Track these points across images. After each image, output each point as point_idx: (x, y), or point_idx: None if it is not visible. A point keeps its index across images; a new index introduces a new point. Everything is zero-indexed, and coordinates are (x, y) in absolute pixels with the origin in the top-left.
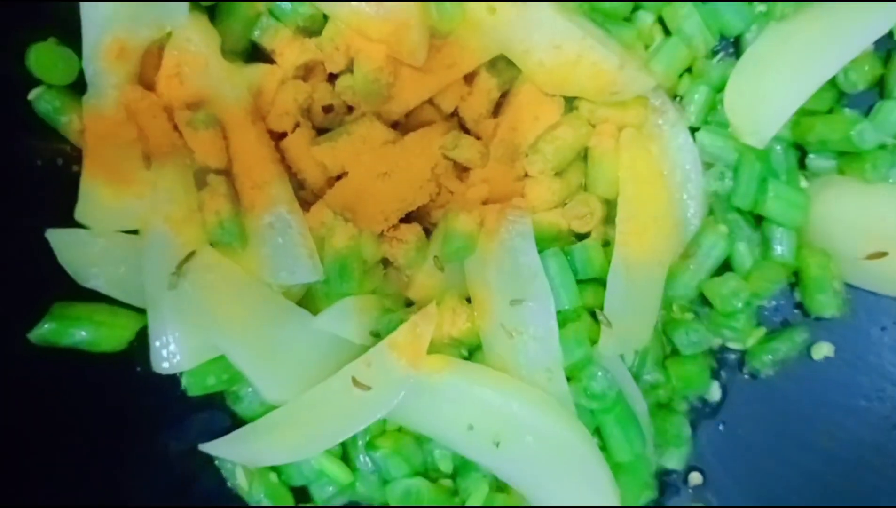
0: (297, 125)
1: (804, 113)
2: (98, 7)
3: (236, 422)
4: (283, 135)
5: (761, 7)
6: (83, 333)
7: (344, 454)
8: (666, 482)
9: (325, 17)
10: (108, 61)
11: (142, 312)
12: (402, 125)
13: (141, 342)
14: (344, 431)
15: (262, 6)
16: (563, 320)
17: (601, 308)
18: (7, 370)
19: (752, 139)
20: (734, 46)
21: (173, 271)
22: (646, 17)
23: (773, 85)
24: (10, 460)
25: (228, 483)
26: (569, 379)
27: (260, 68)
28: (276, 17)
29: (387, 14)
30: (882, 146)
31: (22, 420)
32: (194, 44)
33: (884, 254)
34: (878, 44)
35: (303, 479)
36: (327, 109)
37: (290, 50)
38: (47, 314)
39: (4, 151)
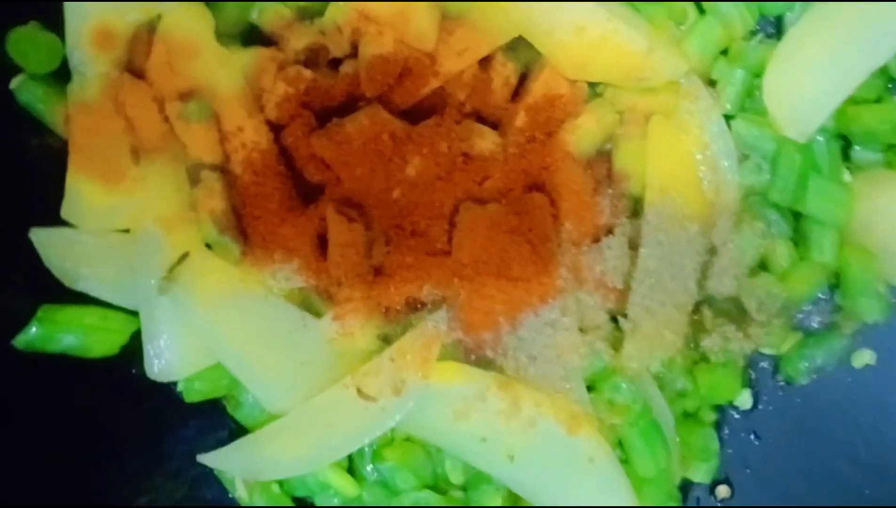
0: (298, 115)
1: (850, 102)
2: None
3: (238, 428)
4: (283, 126)
5: None
6: (72, 338)
7: (350, 464)
8: (691, 494)
9: None
10: (93, 47)
11: (135, 314)
12: (411, 115)
13: (136, 344)
14: (349, 444)
15: None
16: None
17: (624, 315)
18: None
19: (793, 132)
20: (775, 27)
21: (165, 276)
22: None
23: (818, 73)
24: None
25: (229, 494)
26: (589, 389)
27: (258, 53)
28: None
29: None
30: None
31: (12, 427)
32: (186, 28)
33: None
34: None
35: (306, 491)
36: (330, 97)
37: (290, 33)
38: (33, 319)
39: None
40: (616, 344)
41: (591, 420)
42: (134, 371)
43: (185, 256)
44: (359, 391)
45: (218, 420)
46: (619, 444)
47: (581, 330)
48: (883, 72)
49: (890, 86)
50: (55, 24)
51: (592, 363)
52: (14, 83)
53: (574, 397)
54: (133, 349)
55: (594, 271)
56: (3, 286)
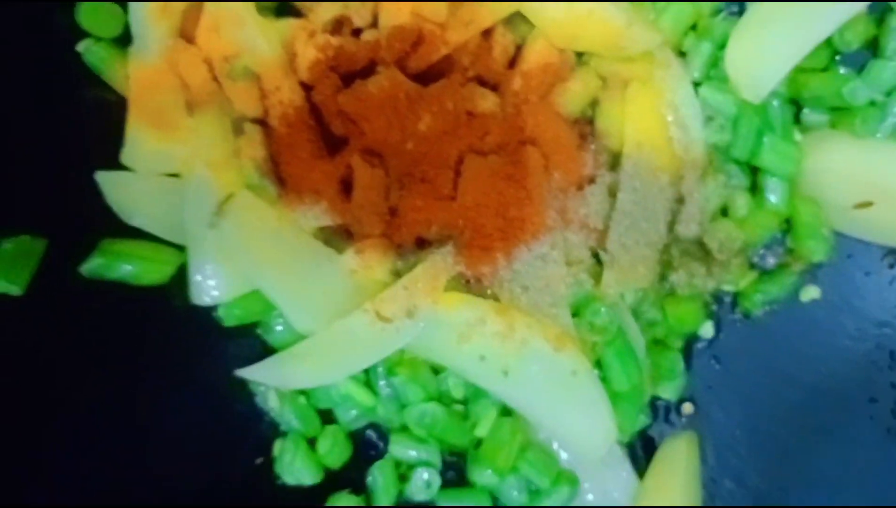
0: (326, 77)
1: (800, 70)
2: None
3: (267, 351)
4: (313, 86)
5: None
6: (128, 267)
7: (366, 380)
8: (660, 410)
9: None
10: (152, 16)
11: (181, 249)
12: (422, 78)
13: (178, 277)
14: (367, 358)
15: None
16: (567, 261)
17: (605, 250)
18: (58, 302)
19: (750, 94)
20: (738, 6)
21: (214, 212)
22: None
23: (772, 43)
24: (56, 383)
25: (260, 406)
26: (574, 314)
27: (291, 23)
28: None
29: None
30: (872, 103)
31: (69, 349)
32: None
33: (870, 204)
34: (873, 6)
35: (329, 402)
36: (353, 61)
37: (318, 6)
38: (96, 250)
39: (55, 99)
40: (596, 276)
41: (575, 340)
42: (175, 303)
43: (230, 196)
44: (377, 313)
45: (249, 344)
46: (598, 365)
47: (567, 264)
48: (828, 45)
49: (834, 57)
50: None
51: (576, 292)
52: (81, 46)
53: (560, 320)
54: (176, 282)
55: (579, 214)
56: (71, 221)
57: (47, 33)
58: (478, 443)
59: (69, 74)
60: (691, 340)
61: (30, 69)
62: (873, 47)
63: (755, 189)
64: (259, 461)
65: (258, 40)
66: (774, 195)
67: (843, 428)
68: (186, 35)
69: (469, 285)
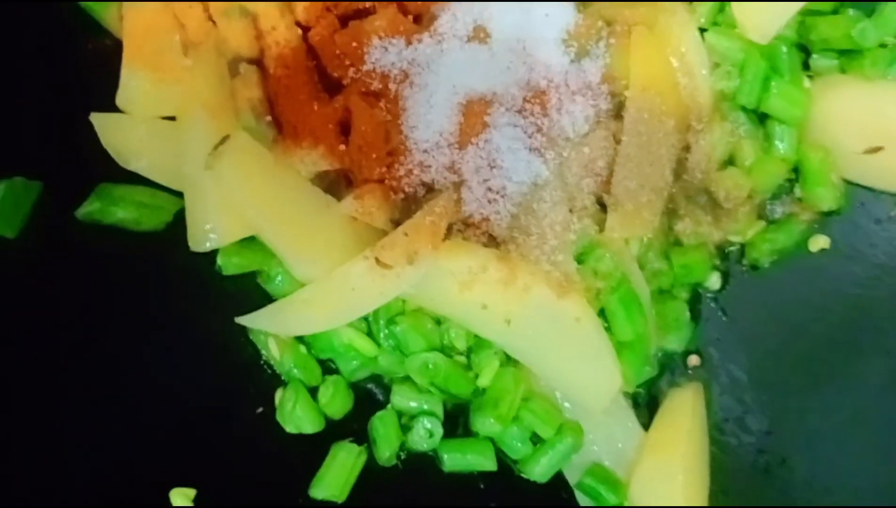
0: (323, 17)
1: (808, 13)
2: None
3: (268, 301)
4: (310, 27)
5: None
6: (125, 213)
7: (368, 330)
8: (665, 363)
9: None
10: None
11: (179, 195)
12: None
13: (176, 225)
14: (367, 305)
15: None
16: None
17: (609, 194)
18: (53, 246)
19: (757, 35)
20: None
21: (210, 152)
22: None
23: None
24: (50, 329)
25: (262, 354)
26: (577, 263)
27: None
28: None
29: None
30: (882, 45)
31: (64, 294)
32: None
33: (880, 148)
34: None
35: (331, 352)
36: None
37: None
38: (92, 194)
39: (50, 42)
40: (601, 223)
41: (578, 287)
42: (175, 251)
43: (226, 138)
44: (377, 260)
45: (250, 294)
46: (602, 314)
47: (570, 210)
48: None
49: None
50: None
51: (580, 238)
52: None
53: (563, 267)
54: (175, 229)
55: (582, 160)
56: (67, 165)
57: None
58: (480, 393)
59: (63, 16)
60: (698, 291)
61: (22, 11)
62: None
63: (763, 136)
64: (260, 410)
65: None
66: (782, 142)
67: (852, 377)
68: None
69: (471, 232)
